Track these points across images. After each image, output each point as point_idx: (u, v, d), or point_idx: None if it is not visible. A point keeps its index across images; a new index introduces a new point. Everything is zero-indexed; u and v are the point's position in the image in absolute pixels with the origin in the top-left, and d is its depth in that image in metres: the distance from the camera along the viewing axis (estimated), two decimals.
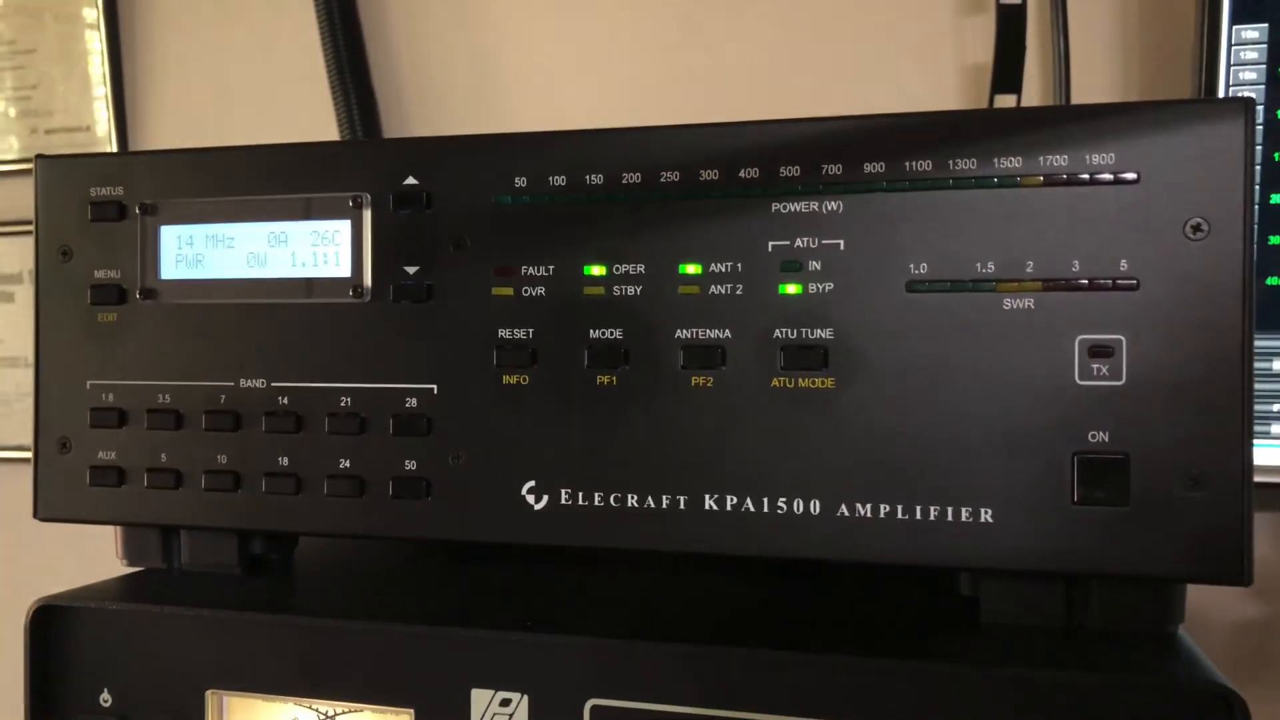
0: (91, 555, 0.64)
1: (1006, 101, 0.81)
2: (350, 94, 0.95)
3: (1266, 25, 0.73)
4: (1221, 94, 0.73)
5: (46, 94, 1.09)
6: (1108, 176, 0.44)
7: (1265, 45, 0.73)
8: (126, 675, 0.52)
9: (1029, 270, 0.45)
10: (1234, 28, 0.73)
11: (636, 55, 0.93)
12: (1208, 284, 0.44)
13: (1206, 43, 0.74)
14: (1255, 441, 0.72)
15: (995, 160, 0.46)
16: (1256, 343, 0.73)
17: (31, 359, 0.57)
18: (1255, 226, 0.66)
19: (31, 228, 0.57)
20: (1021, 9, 0.81)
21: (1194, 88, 0.75)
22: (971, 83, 0.86)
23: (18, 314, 1.10)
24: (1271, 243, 0.74)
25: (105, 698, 0.52)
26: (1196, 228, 0.44)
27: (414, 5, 0.99)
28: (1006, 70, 0.82)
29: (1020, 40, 0.81)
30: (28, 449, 0.57)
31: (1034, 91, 0.84)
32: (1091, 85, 0.83)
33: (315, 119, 0.98)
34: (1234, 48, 0.74)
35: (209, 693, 0.51)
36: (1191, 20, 0.76)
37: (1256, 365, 0.73)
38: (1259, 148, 0.73)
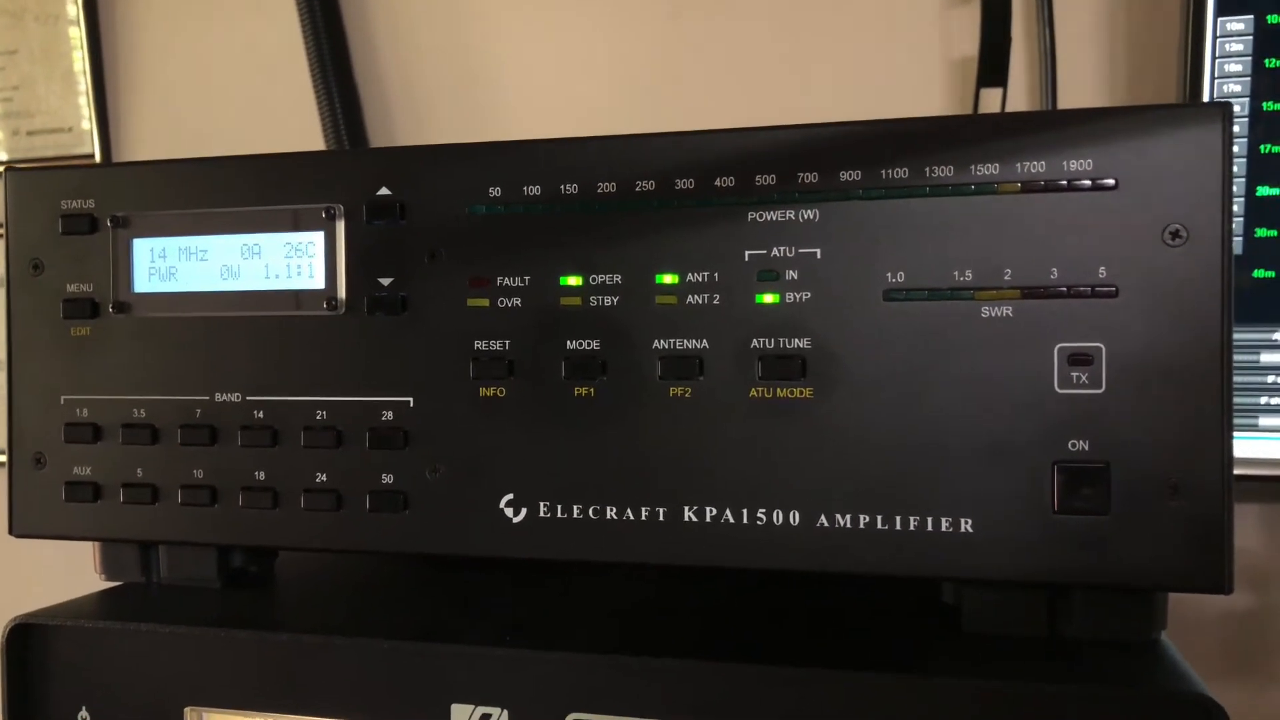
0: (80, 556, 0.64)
1: (992, 95, 0.81)
2: (334, 95, 0.94)
3: (1251, 17, 0.72)
4: (1207, 86, 0.73)
5: (28, 95, 1.08)
6: (1086, 183, 0.44)
7: (1250, 37, 0.72)
8: (105, 693, 0.52)
9: (1007, 278, 0.45)
10: (1219, 19, 0.73)
11: (621, 51, 0.92)
12: (1187, 291, 0.43)
13: (1192, 35, 0.73)
14: (1242, 435, 0.73)
15: (972, 167, 0.45)
16: (1243, 336, 0.73)
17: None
18: (1234, 233, 0.66)
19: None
20: (1006, 1, 0.80)
21: (1179, 80, 0.75)
22: (957, 75, 0.86)
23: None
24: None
25: (84, 716, 0.52)
26: (1175, 234, 0.43)
27: (397, 4, 0.98)
28: (992, 63, 0.81)
29: (1005, 33, 0.80)
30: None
31: (1020, 84, 0.83)
32: (1077, 78, 0.82)
33: (299, 116, 0.98)
34: (1219, 40, 0.73)
35: (188, 709, 0.51)
36: (1177, 12, 0.76)
37: (1243, 358, 0.73)
38: (1244, 140, 0.73)
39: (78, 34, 1.05)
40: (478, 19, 0.96)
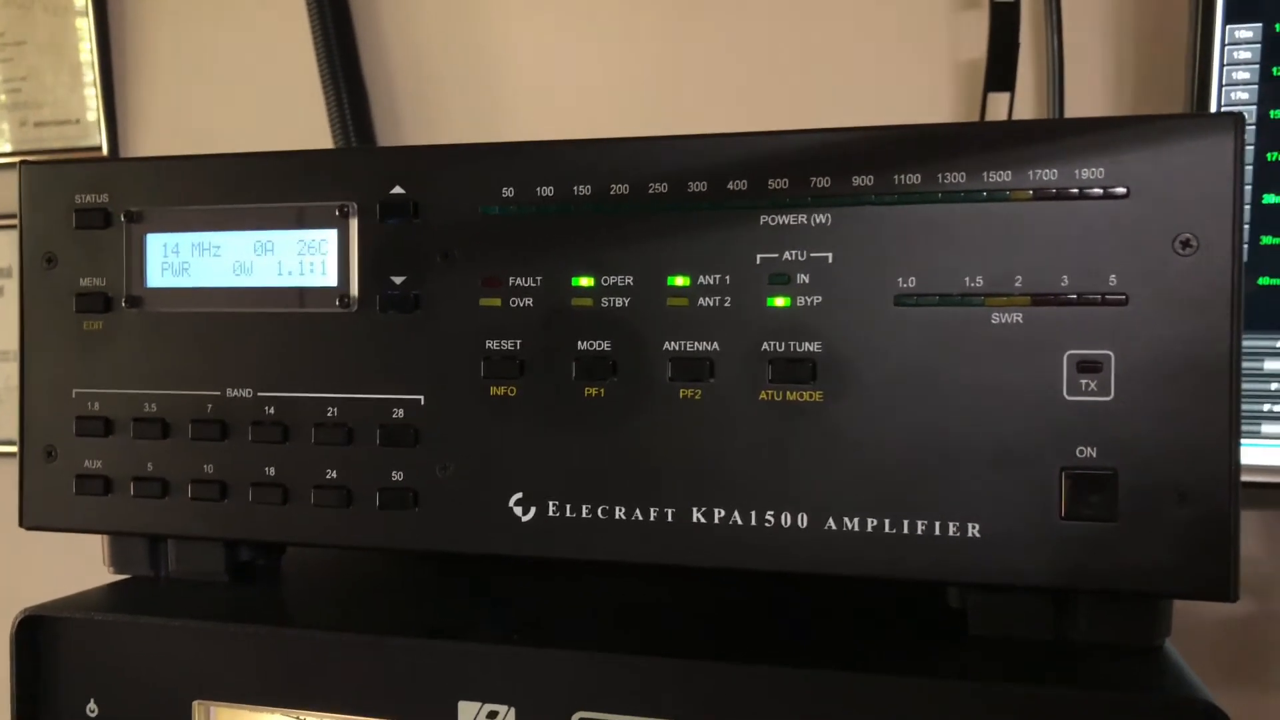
0: (86, 548, 0.64)
1: (999, 100, 0.81)
2: (342, 91, 0.94)
3: (1260, 25, 0.72)
4: (1215, 93, 0.73)
5: (36, 86, 1.08)
6: (1097, 191, 0.44)
7: (1259, 45, 0.73)
8: (113, 685, 0.52)
9: (1018, 284, 0.45)
10: (1227, 27, 0.73)
11: (630, 52, 0.93)
12: (1196, 300, 0.43)
13: (1200, 43, 0.74)
14: (1245, 442, 0.73)
15: (984, 174, 0.45)
16: (1248, 343, 0.73)
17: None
18: (1244, 243, 0.66)
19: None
20: (1015, 6, 0.80)
21: (1187, 87, 0.75)
22: (965, 80, 0.86)
23: (10, 308, 1.09)
24: (1264, 243, 0.74)
25: (92, 708, 0.52)
26: (1186, 243, 0.43)
27: (407, 4, 0.98)
28: (1000, 68, 0.81)
29: (1014, 38, 0.81)
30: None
31: (1028, 89, 0.84)
32: (1085, 85, 0.82)
33: (307, 111, 0.98)
34: (1227, 47, 0.73)
35: (195, 703, 0.51)
36: (1185, 19, 0.76)
37: (1247, 365, 0.73)
38: (1251, 148, 0.73)
39: (86, 25, 1.05)
40: (487, 18, 0.96)
